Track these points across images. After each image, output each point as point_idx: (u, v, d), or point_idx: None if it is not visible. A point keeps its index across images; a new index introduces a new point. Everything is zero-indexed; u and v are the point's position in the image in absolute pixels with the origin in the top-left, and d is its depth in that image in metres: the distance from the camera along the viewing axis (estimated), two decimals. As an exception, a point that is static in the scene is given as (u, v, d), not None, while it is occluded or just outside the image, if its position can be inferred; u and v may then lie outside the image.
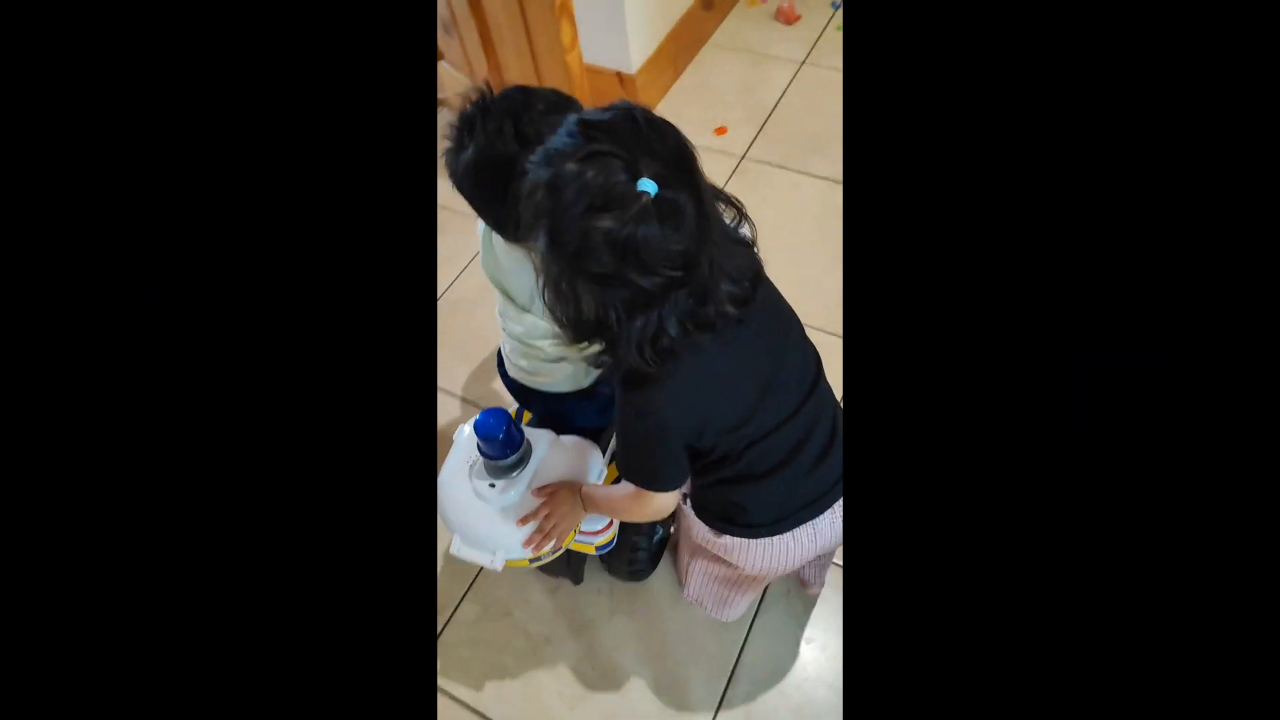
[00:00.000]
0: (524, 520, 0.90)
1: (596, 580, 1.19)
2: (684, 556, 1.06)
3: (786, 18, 2.07)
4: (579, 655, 1.14)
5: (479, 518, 0.93)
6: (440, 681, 1.13)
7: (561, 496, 0.91)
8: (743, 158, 1.78)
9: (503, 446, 0.88)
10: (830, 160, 1.75)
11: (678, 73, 1.97)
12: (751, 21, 2.11)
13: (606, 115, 0.60)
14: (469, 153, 0.77)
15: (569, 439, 0.99)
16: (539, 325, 0.95)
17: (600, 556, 1.10)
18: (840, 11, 2.08)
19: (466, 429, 0.99)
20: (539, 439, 0.96)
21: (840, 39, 2.00)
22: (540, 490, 0.92)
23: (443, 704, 1.11)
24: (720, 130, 1.82)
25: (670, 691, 1.10)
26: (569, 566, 1.13)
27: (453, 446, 1.00)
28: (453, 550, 0.94)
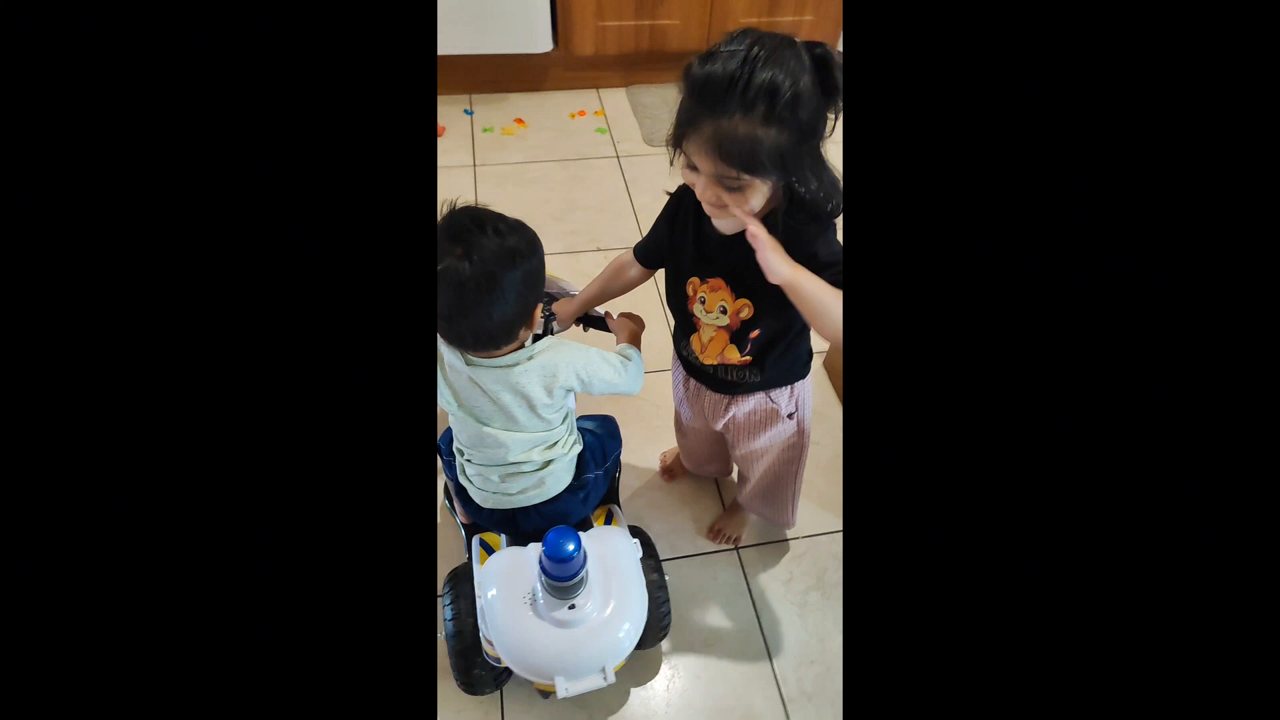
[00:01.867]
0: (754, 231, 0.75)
1: None
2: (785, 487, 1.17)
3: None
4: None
5: (576, 646, 0.85)
6: None
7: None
8: (481, 258, 1.83)
9: (580, 562, 0.83)
10: (555, 236, 1.90)
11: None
12: (400, 141, 2.15)
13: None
14: (448, 276, 0.79)
15: (596, 532, 0.97)
16: (525, 439, 0.92)
17: None
18: (474, 116, 2.26)
19: (493, 571, 0.90)
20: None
21: (490, 138, 2.18)
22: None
23: None
24: (444, 240, 1.84)
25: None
26: None
27: (484, 605, 0.89)
28: (562, 695, 0.84)
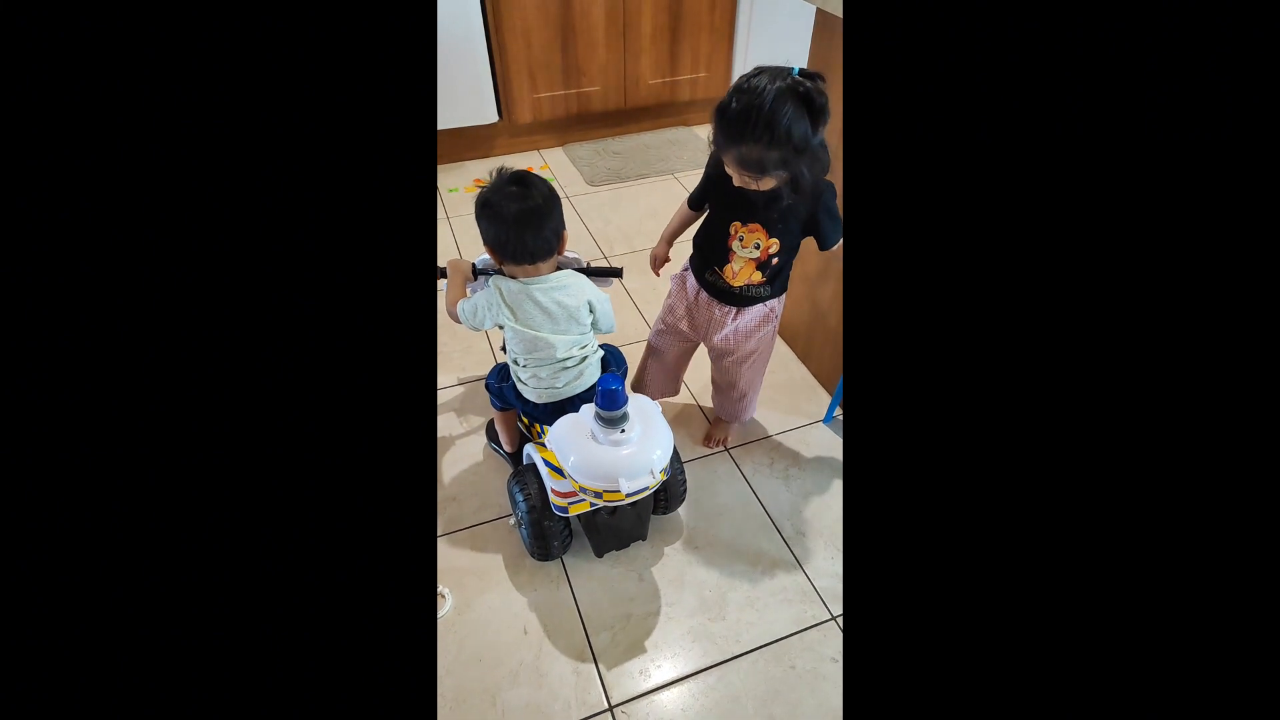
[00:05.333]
0: None
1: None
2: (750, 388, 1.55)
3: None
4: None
5: (629, 457, 1.15)
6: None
7: None
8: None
9: (624, 396, 1.13)
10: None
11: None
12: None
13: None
14: (513, 206, 1.14)
15: (631, 395, 1.24)
16: (566, 340, 1.27)
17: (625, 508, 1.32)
18: (454, 192, 2.65)
19: (559, 431, 1.20)
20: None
21: (456, 196, 2.57)
22: None
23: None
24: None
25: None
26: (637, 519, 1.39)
27: (561, 446, 1.18)
28: (626, 491, 1.13)
